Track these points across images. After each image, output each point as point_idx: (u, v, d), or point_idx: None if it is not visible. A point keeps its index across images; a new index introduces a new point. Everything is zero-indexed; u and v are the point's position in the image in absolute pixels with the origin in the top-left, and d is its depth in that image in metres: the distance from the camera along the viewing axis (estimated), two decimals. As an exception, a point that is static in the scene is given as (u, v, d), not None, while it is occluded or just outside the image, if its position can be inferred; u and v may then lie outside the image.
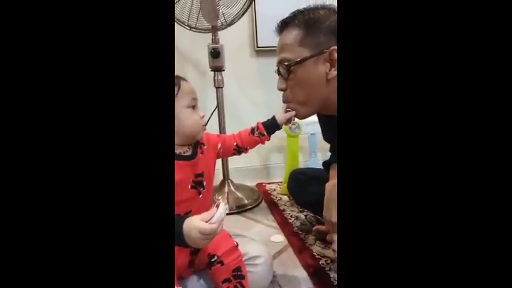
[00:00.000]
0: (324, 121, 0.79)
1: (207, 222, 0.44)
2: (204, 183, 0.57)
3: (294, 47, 0.57)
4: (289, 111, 0.65)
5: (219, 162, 1.21)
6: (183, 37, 1.23)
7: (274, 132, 0.69)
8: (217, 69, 1.08)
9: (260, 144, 1.17)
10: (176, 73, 0.56)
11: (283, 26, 0.60)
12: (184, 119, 0.54)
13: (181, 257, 0.57)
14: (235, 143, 0.67)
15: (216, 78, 1.10)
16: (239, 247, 0.58)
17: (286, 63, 0.58)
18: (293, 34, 0.57)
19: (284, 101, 0.64)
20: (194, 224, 0.44)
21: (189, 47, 1.26)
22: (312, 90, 0.59)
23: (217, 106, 1.13)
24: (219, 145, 0.65)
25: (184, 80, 0.57)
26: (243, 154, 0.68)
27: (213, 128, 1.17)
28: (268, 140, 0.70)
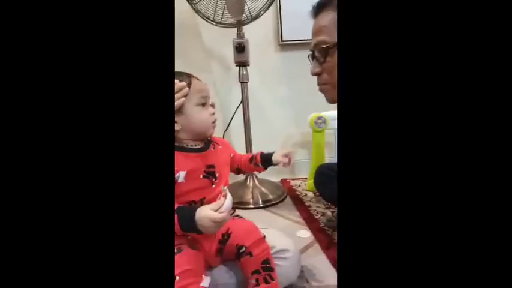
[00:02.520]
0: None
1: (216, 211, 0.48)
2: (217, 175, 0.58)
3: (332, 29, 0.56)
4: (288, 154, 0.66)
5: (243, 157, 1.22)
6: (208, 33, 1.25)
7: (268, 166, 0.71)
8: (242, 63, 1.08)
9: (284, 140, 1.14)
10: (201, 69, 0.58)
11: (319, 8, 0.59)
12: (194, 116, 0.56)
13: (208, 245, 0.58)
14: (236, 166, 0.71)
15: (240, 73, 1.10)
16: (266, 240, 0.57)
17: (323, 46, 0.57)
18: (331, 16, 0.56)
19: (319, 84, 0.63)
20: (205, 214, 0.48)
21: (214, 42, 1.28)
22: None
23: (242, 101, 1.14)
24: (232, 155, 0.68)
25: (195, 78, 0.58)
26: (267, 150, 0.71)
27: (238, 124, 1.18)
28: (263, 171, 0.72)
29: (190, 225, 0.49)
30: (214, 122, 0.59)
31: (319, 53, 0.59)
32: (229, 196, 0.49)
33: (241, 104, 1.14)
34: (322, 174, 0.94)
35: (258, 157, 0.69)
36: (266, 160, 0.69)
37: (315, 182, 0.98)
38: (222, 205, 0.47)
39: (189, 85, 0.56)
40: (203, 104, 0.57)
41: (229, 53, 1.09)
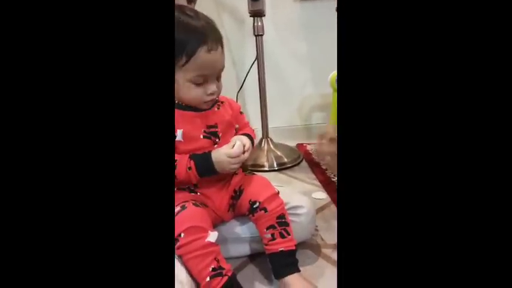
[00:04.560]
0: None
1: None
2: (220, 134, 0.54)
3: None
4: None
5: (258, 120, 1.17)
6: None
7: None
8: (257, 13, 0.99)
9: (302, 102, 1.09)
10: (212, 22, 0.49)
11: None
12: (183, 91, 0.49)
13: (219, 200, 0.56)
14: None
15: (255, 24, 1.01)
16: (281, 197, 0.54)
17: None
18: None
19: None
20: (222, 151, 0.50)
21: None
22: None
23: (257, 57, 1.05)
24: (237, 126, 0.59)
25: (206, 48, 0.46)
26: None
27: (252, 82, 1.12)
28: None
29: (207, 167, 0.50)
30: (209, 100, 0.51)
31: None
32: (237, 143, 0.50)
33: (256, 61, 1.06)
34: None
35: None
36: None
37: (334, 143, 0.92)
38: (235, 144, 0.50)
39: (188, 57, 0.46)
40: (199, 84, 0.48)
41: (243, 4, 1.00)
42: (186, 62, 0.46)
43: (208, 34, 0.47)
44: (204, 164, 0.50)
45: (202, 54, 0.46)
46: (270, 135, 1.18)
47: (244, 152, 0.51)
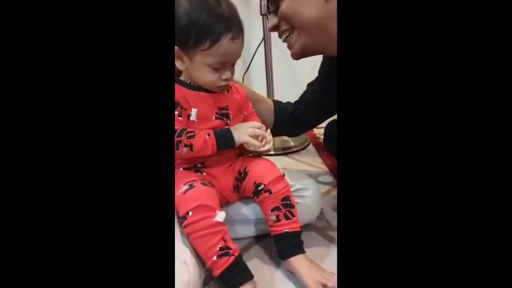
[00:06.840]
0: None
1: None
2: (231, 116, 0.54)
3: None
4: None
5: (264, 103, 1.15)
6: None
7: None
8: (264, -9, 0.95)
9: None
10: (235, 8, 0.50)
11: None
12: (198, 73, 0.50)
13: (224, 180, 0.56)
14: None
15: (262, 3, 0.97)
16: (286, 179, 0.54)
17: None
18: None
19: (280, 37, 0.59)
20: (247, 124, 0.54)
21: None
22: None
23: (264, 39, 1.03)
24: (245, 113, 0.59)
25: (233, 38, 0.47)
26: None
27: (258, 65, 1.09)
28: None
29: (226, 135, 0.51)
30: (223, 85, 0.52)
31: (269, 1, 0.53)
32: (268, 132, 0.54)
33: (263, 42, 1.03)
34: (333, 133, 0.88)
35: None
36: None
37: (325, 143, 0.93)
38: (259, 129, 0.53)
39: (212, 42, 0.46)
40: (216, 69, 0.49)
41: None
42: (209, 47, 0.47)
43: (233, 22, 0.48)
44: (223, 132, 0.51)
45: (226, 42, 0.47)
46: (277, 118, 1.17)
47: (259, 146, 0.52)
